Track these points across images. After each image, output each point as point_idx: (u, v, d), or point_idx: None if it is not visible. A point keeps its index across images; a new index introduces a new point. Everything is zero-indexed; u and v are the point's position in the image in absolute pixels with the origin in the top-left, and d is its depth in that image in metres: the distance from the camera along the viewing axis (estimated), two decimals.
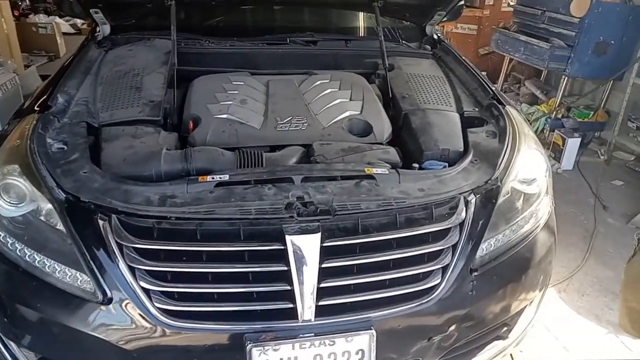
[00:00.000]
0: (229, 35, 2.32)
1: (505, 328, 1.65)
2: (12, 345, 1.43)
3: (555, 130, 3.96)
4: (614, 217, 3.31)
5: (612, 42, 3.81)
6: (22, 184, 1.37)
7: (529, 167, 1.65)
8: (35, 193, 1.36)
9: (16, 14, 6.93)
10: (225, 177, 1.43)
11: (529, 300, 1.64)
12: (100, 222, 1.30)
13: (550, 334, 2.23)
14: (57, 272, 1.32)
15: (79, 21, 7.99)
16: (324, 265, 1.29)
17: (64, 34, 7.07)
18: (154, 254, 1.29)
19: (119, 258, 1.28)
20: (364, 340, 1.33)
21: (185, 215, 1.32)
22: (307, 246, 1.29)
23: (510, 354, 2.02)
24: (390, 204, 1.41)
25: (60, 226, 1.33)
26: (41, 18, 7.33)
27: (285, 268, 1.28)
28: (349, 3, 2.30)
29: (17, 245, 1.35)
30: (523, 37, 4.16)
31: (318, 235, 1.29)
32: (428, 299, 1.38)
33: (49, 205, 1.34)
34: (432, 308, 1.39)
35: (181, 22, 2.16)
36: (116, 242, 1.28)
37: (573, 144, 3.83)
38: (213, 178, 1.42)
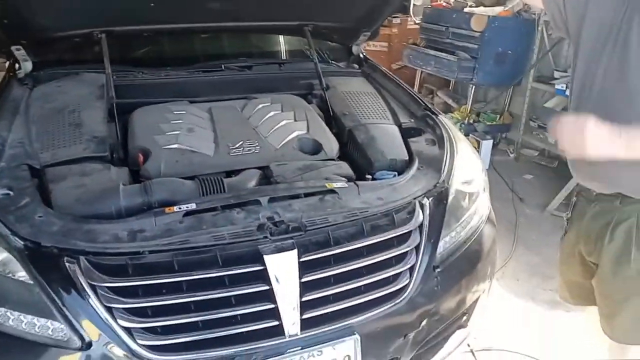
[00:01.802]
0: (162, 65, 2.30)
1: (465, 317, 1.77)
2: None
3: (470, 135, 4.30)
4: (531, 208, 3.65)
5: (509, 51, 4.24)
6: None
7: (467, 169, 1.82)
8: None
9: None
10: (193, 206, 1.43)
11: (483, 289, 1.79)
12: (68, 265, 1.24)
13: (495, 319, 2.42)
14: (23, 323, 1.24)
15: None
16: (303, 280, 1.34)
17: None
18: (131, 291, 1.26)
19: (93, 300, 1.23)
20: (350, 346, 1.39)
21: (159, 247, 1.30)
22: (285, 263, 1.33)
23: (468, 344, 2.17)
24: (355, 214, 1.49)
25: (21, 275, 1.26)
26: None
27: (267, 287, 1.31)
28: (280, 28, 2.38)
29: None
30: (432, 52, 4.50)
31: (295, 252, 1.34)
32: (401, 298, 1.47)
33: (6, 254, 1.26)
34: (405, 307, 1.48)
35: (111, 54, 2.11)
36: (89, 283, 1.23)
37: (487, 145, 4.19)
38: (180, 208, 1.42)
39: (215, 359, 1.29)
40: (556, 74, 3.95)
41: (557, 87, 3.75)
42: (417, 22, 5.10)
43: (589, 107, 1.35)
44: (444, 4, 4.76)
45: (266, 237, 1.36)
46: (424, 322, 1.55)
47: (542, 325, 2.42)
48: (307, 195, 1.54)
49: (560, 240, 1.68)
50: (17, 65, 2.19)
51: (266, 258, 1.31)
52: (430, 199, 1.62)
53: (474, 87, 4.57)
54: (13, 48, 2.04)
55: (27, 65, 2.16)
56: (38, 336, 1.24)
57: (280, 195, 1.52)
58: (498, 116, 4.58)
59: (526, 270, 2.86)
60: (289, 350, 1.34)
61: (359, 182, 1.63)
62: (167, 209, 1.41)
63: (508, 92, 4.58)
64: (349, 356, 1.40)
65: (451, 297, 1.62)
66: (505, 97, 4.65)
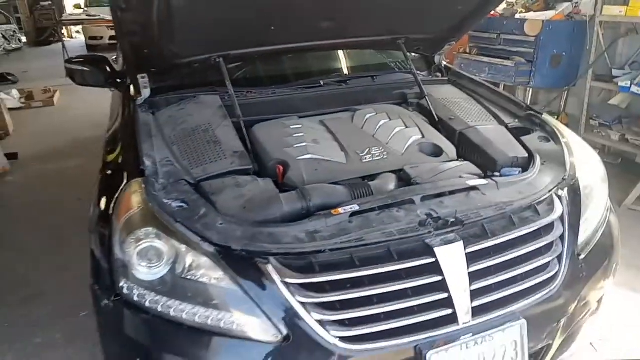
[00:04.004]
0: (265, 84, 2.43)
1: (597, 304, 1.83)
2: None
3: None
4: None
5: (564, 53, 4.32)
6: (160, 244, 1.41)
7: (586, 160, 1.90)
8: (178, 251, 1.40)
9: None
10: (356, 207, 1.53)
11: (613, 275, 1.85)
12: (262, 266, 1.35)
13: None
14: (222, 322, 1.35)
15: (16, 95, 7.72)
16: (470, 270, 1.43)
17: (9, 109, 6.77)
18: (319, 287, 1.36)
19: (288, 296, 1.33)
20: (516, 331, 1.46)
21: (338, 245, 1.41)
22: (454, 255, 1.42)
23: None
24: (503, 207, 1.58)
25: (214, 277, 1.37)
26: None
27: (440, 278, 1.40)
28: (376, 43, 2.50)
29: (169, 304, 1.37)
30: (486, 59, 4.60)
31: (461, 243, 1.43)
32: (554, 284, 1.55)
33: (202, 259, 1.38)
34: (558, 293, 1.55)
35: (219, 76, 2.24)
36: (282, 281, 1.34)
37: None
38: (345, 210, 1.52)
39: (399, 347, 1.38)
40: (616, 72, 4.00)
41: (620, 84, 3.79)
42: None
43: None
44: (492, 12, 4.86)
45: (430, 231, 1.46)
46: (572, 308, 1.61)
47: None
48: (452, 193, 1.64)
49: None
50: (132, 92, 2.34)
51: (437, 250, 1.40)
52: (565, 190, 1.70)
53: (530, 90, 4.64)
54: (139, 76, 2.19)
55: (146, 92, 2.30)
56: (240, 332, 1.34)
57: (429, 193, 1.61)
58: (555, 117, 4.63)
59: (619, 264, 2.88)
60: (462, 337, 1.42)
61: (496, 178, 1.72)
62: (333, 211, 1.51)
63: (563, 94, 4.64)
64: (515, 341, 1.47)
65: (594, 283, 1.68)
66: (560, 99, 4.70)
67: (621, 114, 4.18)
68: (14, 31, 14.79)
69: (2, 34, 13.73)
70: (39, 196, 4.09)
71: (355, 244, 1.42)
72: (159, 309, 1.37)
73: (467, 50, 4.92)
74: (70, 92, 7.26)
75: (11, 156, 4.94)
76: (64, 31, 14.90)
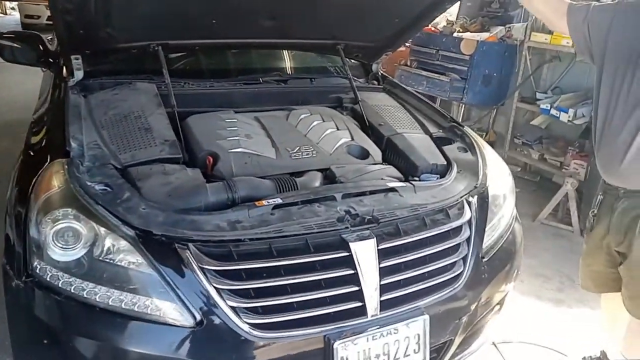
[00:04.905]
0: (205, 77, 2.45)
1: (499, 306, 1.99)
2: None
3: None
4: (521, 218, 3.90)
5: (495, 74, 4.60)
6: (79, 225, 1.40)
7: (497, 172, 2.06)
8: (98, 233, 1.40)
9: None
10: (279, 200, 1.59)
11: (514, 279, 2.01)
12: (181, 251, 1.38)
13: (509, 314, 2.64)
14: (136, 305, 1.36)
15: None
16: (381, 265, 1.52)
17: None
18: (236, 274, 1.40)
19: (204, 282, 1.37)
20: (420, 325, 1.56)
21: (258, 235, 1.46)
22: (367, 250, 1.51)
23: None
24: (417, 209, 1.69)
25: (132, 261, 1.38)
26: None
27: (353, 271, 1.48)
28: (316, 46, 2.58)
29: (83, 286, 1.37)
30: (424, 73, 4.81)
31: (373, 240, 1.52)
32: (458, 283, 1.67)
33: (121, 242, 1.39)
34: (461, 291, 1.68)
35: (158, 64, 2.23)
36: (199, 267, 1.37)
37: None
38: (268, 202, 1.57)
39: (309, 337, 1.44)
40: (539, 95, 4.31)
41: (541, 106, 4.10)
42: (407, 44, 5.42)
43: (616, 122, 1.62)
44: (432, 28, 5.09)
45: (347, 227, 1.54)
46: (473, 307, 1.75)
47: (550, 319, 2.67)
48: (372, 192, 1.73)
49: (585, 235, 1.93)
50: (64, 73, 2.29)
51: (351, 245, 1.49)
52: (475, 197, 1.84)
53: (463, 106, 4.89)
54: (73, 57, 2.14)
55: (79, 74, 2.25)
56: (154, 316, 1.36)
57: (350, 192, 1.70)
58: (484, 134, 4.91)
59: (527, 272, 3.10)
60: (370, 329, 1.50)
61: (413, 182, 1.83)
62: (258, 203, 1.56)
63: (492, 112, 4.93)
64: (419, 334, 1.57)
65: (495, 284, 1.83)
66: (489, 117, 5.00)
67: (542, 135, 4.51)
68: None
69: None
70: None
71: (274, 235, 1.47)
72: (72, 291, 1.37)
73: (408, 63, 5.11)
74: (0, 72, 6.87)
75: None
76: None
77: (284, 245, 1.47)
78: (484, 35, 4.58)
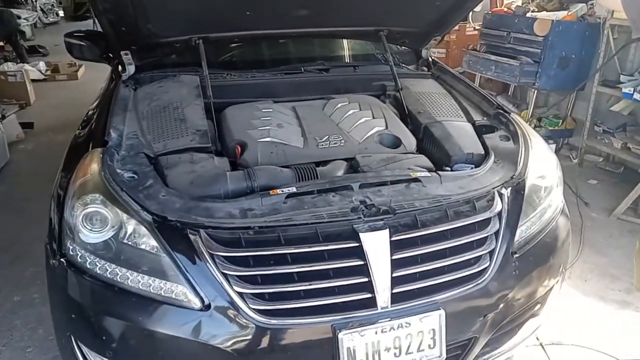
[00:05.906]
0: (248, 68, 2.51)
1: (538, 306, 1.85)
2: None
3: None
4: (597, 212, 3.62)
5: (573, 56, 4.22)
6: (105, 210, 1.50)
7: (542, 163, 1.90)
8: (121, 218, 1.49)
9: None
10: (293, 189, 1.59)
11: (556, 279, 1.85)
12: (192, 237, 1.43)
13: (564, 315, 2.45)
14: (151, 286, 1.44)
15: (42, 67, 8.01)
16: (394, 257, 1.47)
17: (33, 80, 7.03)
18: (244, 261, 1.43)
19: (212, 267, 1.41)
20: (435, 320, 1.50)
21: (267, 223, 1.48)
22: (378, 241, 1.47)
23: (537, 338, 2.22)
24: (439, 200, 1.62)
25: (151, 245, 1.46)
26: (10, 66, 7.27)
27: (362, 262, 1.45)
28: (358, 33, 2.54)
29: (107, 267, 1.47)
30: (493, 57, 4.53)
31: (386, 231, 1.48)
32: (481, 279, 1.58)
33: (141, 227, 1.47)
34: (485, 288, 1.58)
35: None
36: (208, 252, 1.42)
37: None
38: (282, 191, 1.59)
39: (315, 325, 1.44)
40: (622, 78, 3.91)
41: (624, 90, 3.71)
42: (476, 28, 5.15)
43: None
44: (505, 9, 4.79)
45: (360, 217, 1.51)
46: (501, 305, 1.64)
47: (612, 323, 2.43)
48: (393, 182, 1.68)
49: None
50: (119, 68, 2.46)
51: (361, 236, 1.46)
52: (509, 189, 1.72)
53: (535, 91, 4.57)
54: (122, 53, 2.29)
55: (131, 69, 2.41)
56: (164, 297, 1.43)
57: (369, 182, 1.66)
58: (560, 121, 4.55)
59: (594, 271, 2.86)
60: (380, 321, 1.47)
61: (440, 172, 1.75)
62: (271, 192, 1.58)
63: (571, 97, 4.54)
64: (433, 330, 1.51)
65: (528, 282, 1.70)
66: (567, 102, 4.61)
67: (627, 122, 4.09)
68: (52, 5, 15.23)
69: (40, 7, 14.17)
70: (46, 165, 4.27)
71: (284, 223, 1.48)
72: (97, 271, 1.47)
73: (477, 48, 4.85)
74: (94, 68, 7.41)
75: (27, 125, 5.19)
76: None
77: (294, 234, 1.48)
78: (560, 14, 4.22)
